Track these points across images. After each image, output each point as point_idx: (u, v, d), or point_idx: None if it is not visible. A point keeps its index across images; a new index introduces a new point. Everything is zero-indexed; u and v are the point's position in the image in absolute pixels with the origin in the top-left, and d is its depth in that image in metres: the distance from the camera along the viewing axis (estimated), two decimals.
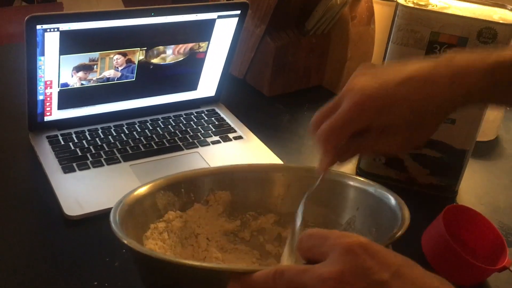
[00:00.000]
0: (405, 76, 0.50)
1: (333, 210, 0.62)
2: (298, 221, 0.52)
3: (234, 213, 0.63)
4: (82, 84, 0.79)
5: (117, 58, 0.79)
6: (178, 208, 0.60)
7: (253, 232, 0.63)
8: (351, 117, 0.49)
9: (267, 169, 0.66)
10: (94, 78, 0.79)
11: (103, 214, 0.67)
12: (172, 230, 0.59)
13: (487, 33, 0.67)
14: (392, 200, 0.55)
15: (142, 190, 0.58)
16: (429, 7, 0.70)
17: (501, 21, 0.68)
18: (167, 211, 0.59)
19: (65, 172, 0.73)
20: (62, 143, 0.79)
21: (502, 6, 0.73)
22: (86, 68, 0.77)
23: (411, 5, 0.70)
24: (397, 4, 0.71)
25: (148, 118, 0.87)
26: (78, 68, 0.77)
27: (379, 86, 0.49)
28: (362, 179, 0.61)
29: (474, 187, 0.83)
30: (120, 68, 0.80)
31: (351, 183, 0.62)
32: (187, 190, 0.61)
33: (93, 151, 0.78)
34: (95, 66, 0.78)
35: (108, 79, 0.81)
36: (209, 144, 0.84)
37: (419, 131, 0.52)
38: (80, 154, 0.77)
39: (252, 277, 0.41)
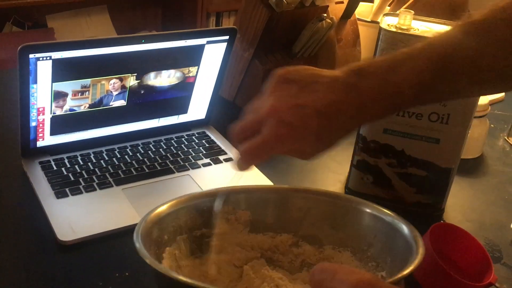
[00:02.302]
0: (322, 106, 0.53)
1: (349, 235, 0.63)
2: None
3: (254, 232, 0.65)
4: (73, 110, 0.80)
5: (114, 83, 0.81)
6: (199, 225, 0.62)
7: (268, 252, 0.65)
8: (271, 146, 0.55)
9: (287, 191, 0.68)
10: (86, 104, 0.81)
11: (96, 239, 0.69)
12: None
13: None
14: (407, 231, 0.57)
15: (165, 207, 0.59)
16: (411, 31, 0.73)
17: None
18: (189, 228, 0.61)
19: (57, 197, 0.74)
20: (55, 168, 0.80)
21: None
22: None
23: (393, 29, 0.73)
24: (380, 28, 0.73)
25: (139, 142, 0.89)
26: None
27: (301, 118, 0.53)
28: (379, 207, 0.62)
29: (460, 205, 0.85)
30: (115, 93, 0.82)
31: (368, 210, 0.63)
32: (208, 208, 0.63)
33: (86, 176, 0.79)
34: (87, 93, 0.79)
35: (99, 105, 0.82)
36: (200, 167, 0.85)
37: (327, 144, 0.56)
38: (72, 179, 0.78)
39: None
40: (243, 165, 0.58)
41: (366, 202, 0.64)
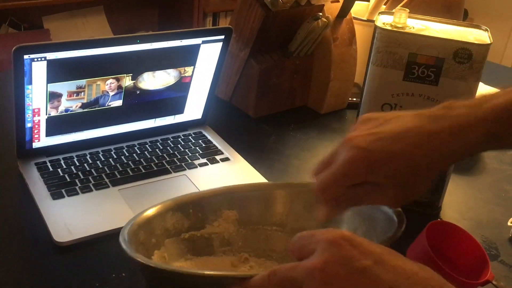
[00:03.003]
0: (401, 131, 0.49)
1: (335, 222, 0.64)
2: None
3: (242, 232, 0.66)
4: (69, 110, 0.80)
5: (111, 83, 0.80)
6: (187, 228, 0.63)
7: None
8: (345, 172, 0.50)
9: (270, 187, 0.69)
10: (81, 105, 0.81)
11: (93, 240, 0.68)
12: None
13: (462, 53, 0.70)
14: (387, 208, 0.58)
15: (151, 211, 0.61)
16: (406, 29, 0.73)
17: (476, 42, 0.70)
18: (176, 231, 0.62)
19: (54, 199, 0.74)
20: (51, 169, 0.80)
21: (477, 26, 0.76)
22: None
23: (388, 28, 0.73)
24: (376, 27, 0.73)
25: (136, 142, 0.89)
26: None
27: (374, 141, 0.49)
28: None
29: (457, 203, 0.85)
30: (111, 93, 0.82)
31: None
32: (195, 210, 0.64)
33: (82, 177, 0.79)
34: (82, 93, 0.79)
35: (95, 105, 0.82)
36: (196, 167, 0.85)
37: (412, 186, 0.51)
38: (68, 180, 0.78)
39: (251, 281, 0.45)
40: (321, 203, 0.53)
41: None
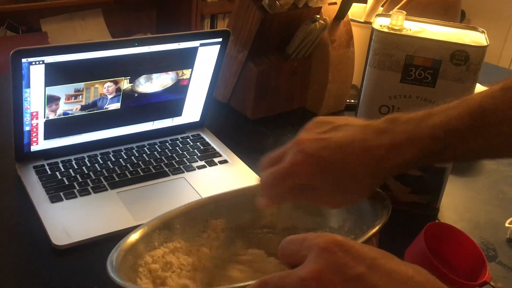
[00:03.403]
0: (346, 142, 0.53)
1: (323, 216, 0.65)
2: None
3: (234, 238, 0.65)
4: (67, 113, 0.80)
5: (108, 86, 0.81)
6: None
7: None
8: (289, 173, 0.54)
9: (256, 190, 0.68)
10: (79, 108, 0.81)
11: (91, 243, 0.69)
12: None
13: (459, 55, 0.70)
14: (376, 198, 0.58)
15: (136, 235, 0.59)
16: (403, 32, 0.73)
17: (472, 44, 0.71)
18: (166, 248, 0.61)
19: (52, 202, 0.74)
20: (49, 172, 0.80)
21: (474, 28, 0.76)
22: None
23: (386, 30, 0.73)
24: (373, 29, 0.73)
25: (134, 145, 0.89)
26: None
27: (321, 149, 0.53)
28: None
29: (455, 204, 0.85)
30: (110, 96, 0.82)
31: None
32: (182, 224, 0.63)
33: (80, 180, 0.79)
34: (80, 96, 0.79)
35: (93, 108, 0.82)
36: (194, 169, 0.85)
37: (352, 193, 0.55)
38: (67, 183, 0.78)
39: None
40: (264, 197, 0.57)
41: None
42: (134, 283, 0.55)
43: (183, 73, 0.87)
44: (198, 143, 0.92)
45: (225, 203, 0.66)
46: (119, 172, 0.82)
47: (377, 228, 0.53)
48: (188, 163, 0.86)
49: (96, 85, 0.80)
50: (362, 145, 0.53)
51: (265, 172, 0.56)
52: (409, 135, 0.52)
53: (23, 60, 0.71)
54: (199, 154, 0.89)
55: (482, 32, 0.75)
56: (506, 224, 0.79)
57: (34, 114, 0.77)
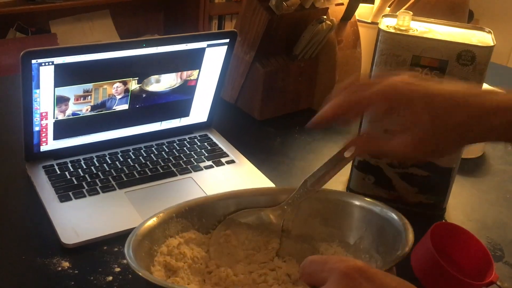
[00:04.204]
0: (450, 90, 0.52)
1: (340, 230, 0.64)
2: None
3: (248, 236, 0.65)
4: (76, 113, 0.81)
5: (117, 87, 0.81)
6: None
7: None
8: (371, 98, 0.53)
9: (276, 192, 0.68)
10: (89, 108, 0.82)
11: (99, 242, 0.69)
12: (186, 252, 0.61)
13: (466, 55, 0.70)
14: (397, 220, 0.58)
15: (154, 220, 0.60)
16: (410, 32, 0.73)
17: (479, 44, 0.71)
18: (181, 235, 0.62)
19: (61, 201, 0.75)
20: (58, 172, 0.81)
21: (480, 28, 0.76)
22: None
23: (392, 30, 0.73)
24: (379, 30, 0.74)
25: (142, 145, 0.89)
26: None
27: (410, 87, 0.52)
28: (367, 199, 0.63)
29: (462, 204, 0.85)
30: (118, 97, 0.83)
31: (357, 202, 0.64)
32: (199, 216, 0.64)
33: (89, 179, 0.80)
34: (89, 97, 0.80)
35: (102, 109, 0.83)
36: (202, 169, 0.86)
37: (438, 139, 0.53)
38: (76, 182, 0.79)
39: None
40: (328, 111, 0.56)
41: (353, 195, 0.65)
42: (148, 268, 0.56)
43: (190, 73, 0.88)
44: (205, 143, 0.93)
45: (244, 200, 0.66)
46: (127, 172, 0.82)
47: (400, 257, 0.52)
48: (195, 163, 0.87)
49: (105, 86, 0.81)
50: (468, 99, 0.51)
51: (344, 91, 0.55)
52: (501, 104, 0.51)
53: (33, 61, 0.72)
54: (206, 154, 0.90)
55: (489, 32, 0.75)
56: None
57: (43, 114, 0.78)
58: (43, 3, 2.36)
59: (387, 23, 0.76)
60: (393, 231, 0.57)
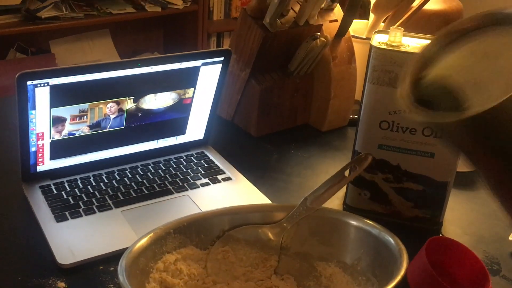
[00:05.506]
0: None
1: (338, 249, 0.65)
2: None
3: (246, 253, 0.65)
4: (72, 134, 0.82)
5: (111, 106, 0.82)
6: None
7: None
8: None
9: (274, 209, 0.69)
10: (85, 128, 0.82)
11: (96, 261, 0.69)
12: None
13: None
14: (393, 244, 0.59)
15: (150, 236, 0.60)
16: (401, 48, 0.74)
17: None
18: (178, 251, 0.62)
19: (57, 221, 0.75)
20: (55, 192, 0.81)
21: None
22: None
23: (384, 47, 0.74)
24: (371, 46, 0.74)
25: (138, 164, 0.90)
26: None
27: None
28: (366, 220, 0.64)
29: (458, 218, 0.85)
30: (112, 116, 0.83)
31: (355, 223, 0.64)
32: (197, 231, 0.64)
33: (85, 199, 0.80)
34: (85, 117, 0.81)
35: (98, 128, 0.83)
36: (198, 187, 0.86)
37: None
38: (72, 202, 0.79)
39: None
40: None
41: (352, 215, 0.65)
42: (142, 286, 0.56)
43: (186, 92, 0.89)
44: (202, 161, 0.93)
45: (242, 216, 0.66)
46: (123, 190, 0.83)
47: (396, 282, 0.53)
48: (191, 181, 0.87)
49: (101, 106, 0.81)
50: None
51: None
52: None
53: (28, 82, 0.73)
54: (202, 172, 0.90)
55: None
56: (510, 238, 0.79)
57: (40, 135, 0.79)
58: (43, 24, 2.38)
59: (379, 39, 0.76)
60: (389, 255, 0.58)
